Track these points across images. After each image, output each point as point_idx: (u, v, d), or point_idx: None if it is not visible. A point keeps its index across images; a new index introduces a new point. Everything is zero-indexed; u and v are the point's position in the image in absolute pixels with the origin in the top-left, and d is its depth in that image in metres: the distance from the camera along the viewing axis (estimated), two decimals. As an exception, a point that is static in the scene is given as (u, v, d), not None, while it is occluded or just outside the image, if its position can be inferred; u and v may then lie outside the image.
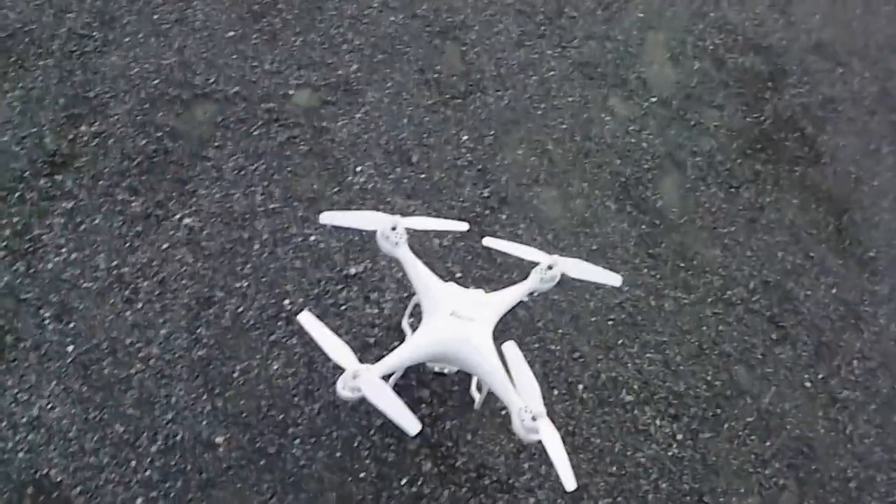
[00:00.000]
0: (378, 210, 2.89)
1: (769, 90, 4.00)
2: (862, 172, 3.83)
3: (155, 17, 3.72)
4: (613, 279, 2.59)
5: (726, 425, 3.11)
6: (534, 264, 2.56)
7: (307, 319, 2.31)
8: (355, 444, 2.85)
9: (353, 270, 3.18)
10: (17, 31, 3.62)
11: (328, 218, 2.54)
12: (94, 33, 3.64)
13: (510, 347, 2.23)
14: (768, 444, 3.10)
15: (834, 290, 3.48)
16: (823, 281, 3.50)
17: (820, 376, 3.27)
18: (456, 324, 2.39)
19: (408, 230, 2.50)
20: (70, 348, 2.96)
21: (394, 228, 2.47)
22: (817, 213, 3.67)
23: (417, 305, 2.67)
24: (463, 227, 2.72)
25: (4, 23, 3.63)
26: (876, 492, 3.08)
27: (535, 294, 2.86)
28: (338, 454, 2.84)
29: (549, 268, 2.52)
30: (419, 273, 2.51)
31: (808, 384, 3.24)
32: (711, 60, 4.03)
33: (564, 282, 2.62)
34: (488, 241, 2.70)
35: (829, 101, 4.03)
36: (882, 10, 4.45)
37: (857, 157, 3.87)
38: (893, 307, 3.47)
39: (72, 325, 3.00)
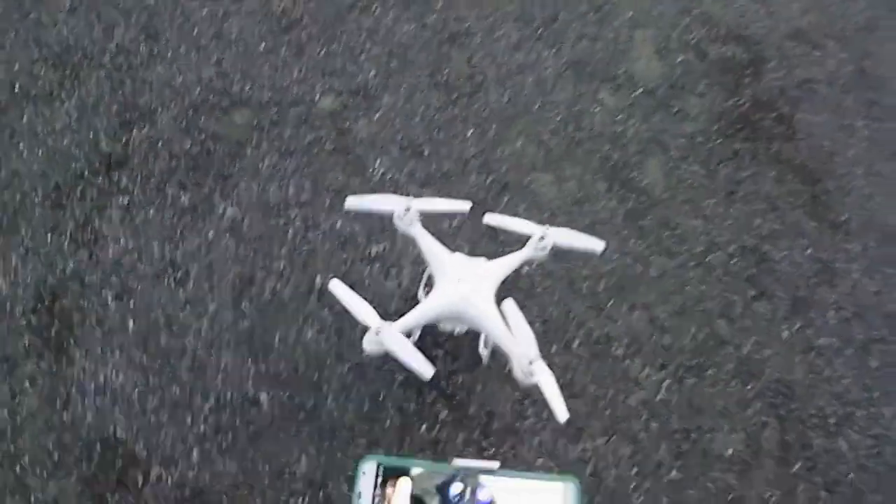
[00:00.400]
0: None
1: (748, 76, 4.24)
2: (836, 146, 4.02)
3: (194, 32, 4.12)
4: (597, 244, 2.86)
5: (709, 372, 3.34)
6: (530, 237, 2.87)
7: (337, 285, 2.65)
8: (381, 398, 3.19)
9: (374, 251, 3.54)
10: (70, 45, 4.03)
11: (352, 202, 2.88)
12: (140, 47, 4.04)
13: (509, 304, 2.53)
14: (749, 387, 3.32)
15: (809, 251, 3.69)
16: (799, 243, 3.70)
17: (797, 326, 3.48)
18: (462, 287, 2.72)
19: (420, 212, 2.84)
20: (131, 323, 3.31)
21: (407, 210, 2.82)
22: (793, 183, 3.88)
23: (431, 277, 2.92)
24: (466, 206, 3.04)
25: (59, 38, 4.04)
26: (856, 426, 3.26)
27: (534, 264, 3.19)
28: (366, 407, 3.17)
29: (541, 238, 2.84)
30: (431, 247, 2.82)
31: (785, 334, 3.46)
32: (695, 52, 4.28)
33: (560, 254, 2.88)
34: (488, 218, 3.01)
35: (805, 82, 4.24)
36: (863, -8, 4.60)
37: (831, 132, 4.06)
38: (866, 263, 3.67)
39: (132, 303, 3.35)
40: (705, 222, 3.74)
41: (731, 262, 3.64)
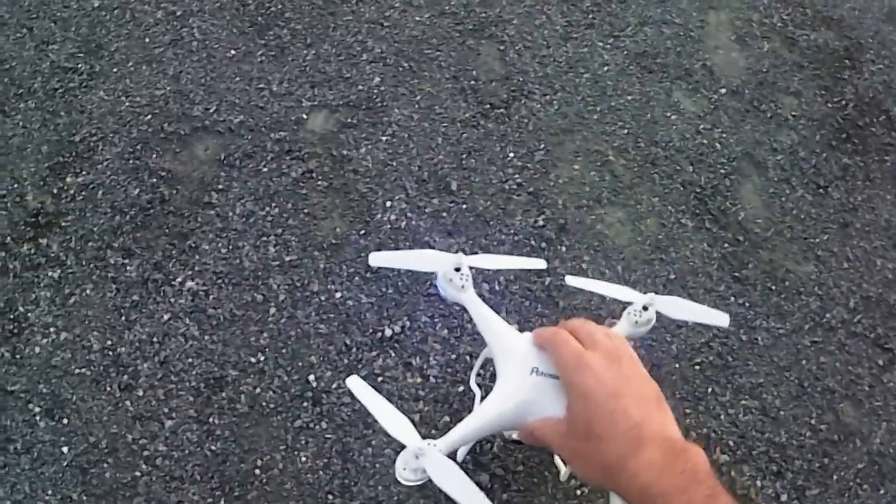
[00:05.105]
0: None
1: (847, 69, 3.19)
2: (965, 155, 3.02)
3: (146, 40, 2.99)
4: (720, 319, 1.83)
5: (835, 476, 2.41)
6: (620, 305, 1.83)
7: (356, 385, 1.60)
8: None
9: (388, 332, 2.45)
10: (-6, 71, 2.94)
11: (378, 259, 1.82)
12: (80, 65, 2.92)
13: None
14: (882, 491, 2.41)
15: (946, 299, 2.72)
16: (933, 289, 2.74)
17: (941, 406, 2.54)
18: (539, 384, 1.65)
19: (473, 270, 1.77)
20: (65, 449, 2.30)
21: (458, 269, 1.74)
22: (918, 207, 2.90)
23: (487, 363, 2.03)
24: (541, 264, 1.98)
25: (-18, 62, 2.96)
26: None
27: (631, 344, 2.12)
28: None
29: (644, 308, 1.79)
30: (489, 321, 1.76)
31: (927, 416, 2.53)
32: (781, 39, 3.21)
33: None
34: (571, 280, 1.96)
35: (913, 74, 3.20)
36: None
37: (955, 137, 3.05)
38: None
39: (65, 420, 2.34)
40: (819, 267, 2.74)
41: (853, 319, 2.66)
